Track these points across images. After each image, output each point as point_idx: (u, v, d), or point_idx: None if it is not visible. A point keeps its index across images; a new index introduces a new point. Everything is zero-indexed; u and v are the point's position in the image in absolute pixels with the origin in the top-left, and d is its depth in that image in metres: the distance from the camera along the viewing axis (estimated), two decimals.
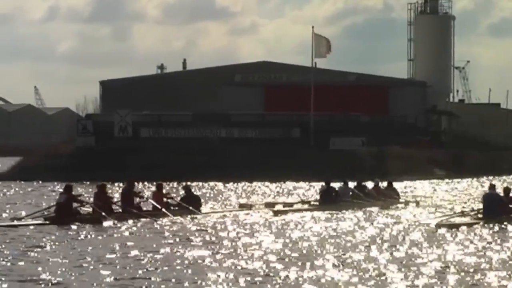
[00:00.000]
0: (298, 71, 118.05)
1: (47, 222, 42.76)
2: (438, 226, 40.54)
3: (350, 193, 56.03)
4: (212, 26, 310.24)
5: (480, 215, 43.69)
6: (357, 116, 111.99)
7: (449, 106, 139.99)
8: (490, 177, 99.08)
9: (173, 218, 45.71)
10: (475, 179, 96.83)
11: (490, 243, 34.89)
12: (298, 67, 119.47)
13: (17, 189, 75.62)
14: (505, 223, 40.87)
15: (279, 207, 53.99)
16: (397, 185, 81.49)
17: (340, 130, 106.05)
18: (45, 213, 44.71)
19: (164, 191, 50.92)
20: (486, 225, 41.17)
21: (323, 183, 56.88)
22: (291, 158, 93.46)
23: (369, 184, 61.92)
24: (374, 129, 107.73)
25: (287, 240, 36.83)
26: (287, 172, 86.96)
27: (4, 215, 51.42)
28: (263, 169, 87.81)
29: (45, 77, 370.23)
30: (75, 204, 44.67)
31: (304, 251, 33.18)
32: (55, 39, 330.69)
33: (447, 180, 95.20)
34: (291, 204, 56.82)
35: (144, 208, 46.96)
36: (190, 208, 47.63)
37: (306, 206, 54.87)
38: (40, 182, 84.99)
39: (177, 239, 37.92)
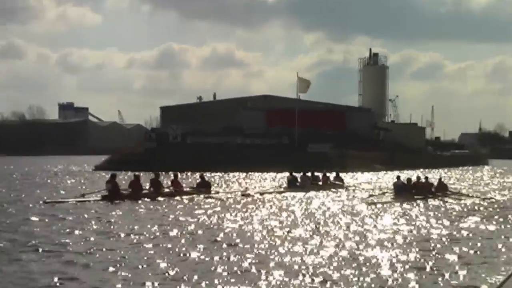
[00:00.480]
0: (288, 101, 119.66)
1: (103, 199, 42.03)
2: (366, 203, 41.47)
3: (308, 180, 54.95)
4: (233, 71, 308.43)
5: (392, 196, 45.00)
6: (326, 130, 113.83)
7: (385, 124, 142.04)
8: (411, 170, 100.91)
9: (190, 196, 45.23)
10: (402, 171, 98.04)
11: (400, 215, 35.38)
12: (288, 99, 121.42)
13: (104, 175, 75.61)
14: (406, 202, 41.77)
15: (259, 190, 52.88)
16: (351, 175, 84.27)
17: (314, 139, 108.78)
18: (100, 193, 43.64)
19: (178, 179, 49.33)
20: (394, 203, 41.85)
21: (288, 174, 56.27)
22: (283, 157, 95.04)
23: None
24: (336, 139, 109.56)
25: (260, 212, 36.46)
26: (280, 166, 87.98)
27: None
28: (265, 164, 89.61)
29: (125, 104, 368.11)
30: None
31: (270, 220, 32.38)
32: (132, 79, 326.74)
33: (383, 172, 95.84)
34: (270, 189, 56.07)
35: (167, 190, 46.34)
36: (201, 189, 47.45)
37: (278, 190, 53.56)
38: (122, 171, 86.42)
39: (190, 209, 37.90)
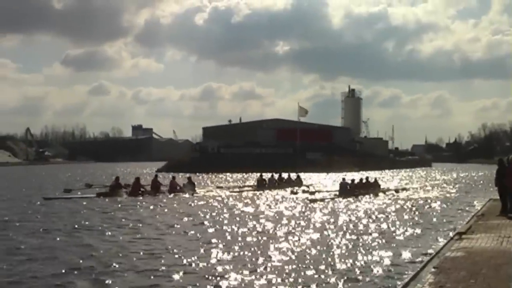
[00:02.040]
0: (292, 122, 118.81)
1: (101, 195, 38.31)
2: (310, 200, 36.13)
3: (275, 181, 50.13)
4: (253, 102, 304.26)
5: (336, 194, 40.31)
6: (318, 143, 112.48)
7: (359, 138, 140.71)
8: (378, 171, 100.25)
9: (178, 195, 40.34)
10: (370, 171, 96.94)
11: (342, 210, 30.51)
12: (292, 121, 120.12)
13: (161, 176, 74.42)
14: (349, 198, 37.39)
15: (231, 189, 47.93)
16: (336, 175, 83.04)
17: (310, 149, 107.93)
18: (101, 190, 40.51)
19: (160, 180, 44.35)
20: (339, 199, 37.22)
21: (259, 175, 51.87)
22: (288, 162, 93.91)
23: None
24: (325, 149, 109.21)
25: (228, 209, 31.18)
26: (287, 168, 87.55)
27: None
28: (276, 166, 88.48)
29: (178, 125, 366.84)
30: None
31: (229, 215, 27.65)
32: (183, 108, 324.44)
33: (359, 172, 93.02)
34: (241, 187, 51.13)
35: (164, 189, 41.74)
36: (187, 190, 42.20)
37: (246, 189, 48.63)
38: (171, 173, 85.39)
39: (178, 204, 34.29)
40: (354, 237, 20.71)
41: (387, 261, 16.21)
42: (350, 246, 18.63)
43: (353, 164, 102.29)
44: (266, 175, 51.70)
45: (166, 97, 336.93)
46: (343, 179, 43.15)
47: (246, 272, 14.51)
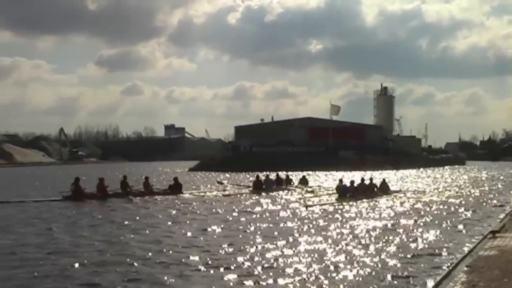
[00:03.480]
0: (324, 121, 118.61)
1: (65, 199, 34.63)
2: (305, 205, 31.93)
3: (273, 183, 45.62)
4: (286, 101, 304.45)
5: (335, 198, 36.20)
6: (350, 141, 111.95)
7: (392, 137, 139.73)
8: (411, 169, 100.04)
9: (163, 197, 37.57)
10: (404, 170, 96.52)
11: (329, 215, 26.87)
12: (324, 119, 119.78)
13: (199, 176, 73.99)
14: (350, 202, 33.13)
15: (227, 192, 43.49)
16: (369, 174, 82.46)
17: (343, 147, 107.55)
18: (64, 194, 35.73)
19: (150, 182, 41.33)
20: (337, 204, 32.63)
21: (255, 177, 46.43)
22: (320, 161, 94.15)
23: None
24: (358, 147, 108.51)
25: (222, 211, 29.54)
26: (319, 167, 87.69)
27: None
28: (308, 165, 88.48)
29: (211, 124, 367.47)
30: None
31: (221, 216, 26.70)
32: (216, 107, 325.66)
33: (391, 171, 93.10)
34: (239, 188, 47.36)
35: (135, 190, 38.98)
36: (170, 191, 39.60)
37: (243, 190, 44.51)
38: (204, 172, 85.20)
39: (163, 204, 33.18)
40: (378, 238, 20.01)
41: (419, 260, 15.93)
42: (378, 246, 18.14)
43: (386, 162, 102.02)
44: (263, 176, 47.45)
45: (198, 96, 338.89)
46: (340, 180, 39.02)
47: None
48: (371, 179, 40.45)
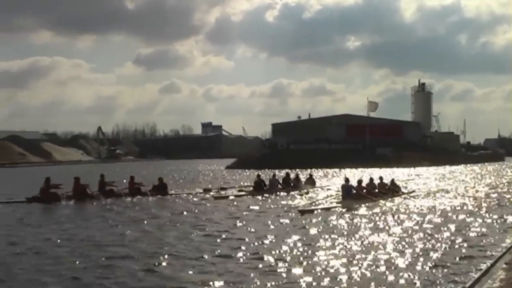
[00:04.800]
0: (362, 118, 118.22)
1: (31, 201, 32.40)
2: (300, 211, 27.38)
3: (278, 183, 41.43)
4: (324, 98, 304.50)
5: (338, 200, 31.54)
6: (388, 138, 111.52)
7: (430, 133, 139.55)
8: (450, 166, 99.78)
9: (147, 197, 35.78)
10: (442, 166, 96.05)
11: (349, 219, 24.54)
12: (362, 116, 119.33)
13: (236, 175, 74.06)
14: (355, 205, 29.49)
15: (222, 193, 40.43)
16: (406, 170, 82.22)
17: (380, 144, 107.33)
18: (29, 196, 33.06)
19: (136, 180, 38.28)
20: (343, 206, 28.96)
21: (256, 177, 41.58)
22: (358, 158, 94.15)
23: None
24: (396, 144, 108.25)
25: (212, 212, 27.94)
26: (356, 164, 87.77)
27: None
28: (345, 163, 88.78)
29: (248, 122, 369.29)
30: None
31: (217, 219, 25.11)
32: (253, 105, 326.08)
33: (430, 167, 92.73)
34: (240, 190, 42.35)
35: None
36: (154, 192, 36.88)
37: (242, 192, 39.87)
38: (240, 169, 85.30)
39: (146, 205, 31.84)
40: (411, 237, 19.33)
41: (457, 257, 15.91)
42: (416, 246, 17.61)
43: (424, 159, 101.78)
44: (268, 176, 44.71)
45: (236, 94, 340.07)
46: (346, 180, 33.89)
47: None
48: (381, 178, 36.86)
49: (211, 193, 39.95)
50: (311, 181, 45.32)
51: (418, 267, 14.65)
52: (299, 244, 18.41)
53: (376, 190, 33.98)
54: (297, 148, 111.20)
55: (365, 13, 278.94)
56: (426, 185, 49.60)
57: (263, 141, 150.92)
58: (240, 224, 23.99)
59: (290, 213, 27.32)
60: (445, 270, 14.30)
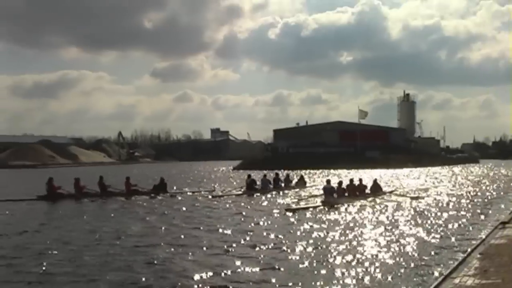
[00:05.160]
0: (353, 124, 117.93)
1: (40, 199, 32.25)
2: (287, 209, 26.71)
3: (269, 183, 39.49)
4: (319, 107, 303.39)
5: (321, 200, 29.89)
6: (376, 142, 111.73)
7: (414, 138, 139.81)
8: (431, 167, 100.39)
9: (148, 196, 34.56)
10: (424, 168, 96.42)
11: (327, 220, 22.91)
12: (353, 123, 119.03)
13: (233, 174, 74.12)
14: (335, 206, 27.96)
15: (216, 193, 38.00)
16: (392, 171, 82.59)
17: (369, 148, 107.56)
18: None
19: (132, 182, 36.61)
20: (323, 207, 27.46)
21: (247, 177, 40.22)
22: (349, 160, 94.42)
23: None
24: (383, 148, 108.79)
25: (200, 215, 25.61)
26: (348, 166, 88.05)
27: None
28: (338, 164, 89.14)
29: (252, 128, 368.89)
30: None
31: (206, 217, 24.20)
32: (257, 113, 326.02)
33: (413, 169, 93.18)
34: (229, 191, 39.56)
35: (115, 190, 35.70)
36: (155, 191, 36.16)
37: (233, 192, 38.16)
38: (244, 170, 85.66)
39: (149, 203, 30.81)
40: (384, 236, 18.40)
41: (436, 248, 16.11)
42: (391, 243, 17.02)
43: (408, 161, 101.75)
44: (259, 176, 42.60)
45: (241, 103, 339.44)
46: (327, 182, 31.94)
47: None
48: (360, 180, 34.94)
49: (206, 193, 38.38)
50: (302, 181, 43.95)
51: (395, 260, 14.54)
52: (281, 238, 18.18)
53: (357, 192, 32.33)
54: (296, 151, 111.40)
55: (356, 31, 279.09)
56: (408, 184, 49.48)
57: (265, 145, 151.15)
58: (229, 220, 23.69)
59: (276, 212, 26.26)
60: (423, 262, 14.31)
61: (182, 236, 19.00)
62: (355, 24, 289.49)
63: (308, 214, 25.28)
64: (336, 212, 25.98)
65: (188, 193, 38.56)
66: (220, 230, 20.41)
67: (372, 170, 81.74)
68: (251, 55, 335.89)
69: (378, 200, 31.36)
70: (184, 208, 28.41)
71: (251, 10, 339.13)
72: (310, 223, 22.04)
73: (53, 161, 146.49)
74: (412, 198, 33.33)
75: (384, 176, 64.45)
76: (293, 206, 28.76)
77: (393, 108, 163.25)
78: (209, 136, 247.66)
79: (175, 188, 41.71)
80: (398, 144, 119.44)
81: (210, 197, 35.25)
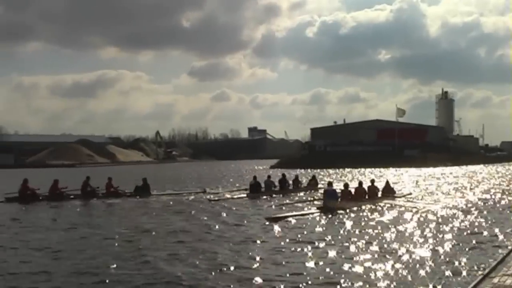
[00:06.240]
0: (391, 123, 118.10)
1: (9, 201, 30.90)
2: (268, 218, 22.65)
3: (274, 185, 36.54)
4: (357, 105, 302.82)
5: (317, 205, 26.12)
6: (415, 141, 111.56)
7: (452, 136, 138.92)
8: (470, 166, 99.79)
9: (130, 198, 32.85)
10: (464, 166, 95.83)
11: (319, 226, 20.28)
12: (391, 121, 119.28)
13: (269, 172, 74.24)
14: (338, 211, 24.64)
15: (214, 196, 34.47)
16: (430, 170, 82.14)
17: (408, 146, 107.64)
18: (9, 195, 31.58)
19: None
20: (319, 213, 23.85)
21: (252, 179, 36.50)
22: (387, 159, 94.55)
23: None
24: (422, 146, 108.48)
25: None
26: (386, 165, 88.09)
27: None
28: (376, 163, 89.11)
29: (289, 127, 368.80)
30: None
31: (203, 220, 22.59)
32: (294, 111, 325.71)
33: (452, 167, 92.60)
34: (236, 190, 38.04)
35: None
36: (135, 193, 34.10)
37: (236, 194, 35.50)
38: (283, 169, 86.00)
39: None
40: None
41: (472, 249, 15.50)
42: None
43: (447, 160, 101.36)
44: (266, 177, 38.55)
45: (279, 101, 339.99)
46: (329, 184, 29.39)
47: None
48: (372, 181, 30.84)
49: (205, 194, 35.98)
50: (313, 182, 40.70)
51: (430, 261, 13.82)
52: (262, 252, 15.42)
53: (367, 196, 28.50)
54: (333, 150, 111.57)
55: (395, 29, 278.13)
56: (439, 186, 45.40)
57: (303, 143, 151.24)
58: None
59: (259, 220, 22.75)
60: (460, 261, 13.72)
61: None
62: (394, 21, 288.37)
63: (293, 222, 21.73)
64: (333, 219, 22.82)
65: (176, 194, 36.15)
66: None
67: (410, 168, 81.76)
68: (288, 54, 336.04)
69: (386, 204, 27.64)
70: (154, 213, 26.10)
71: (289, 9, 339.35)
72: (289, 234, 18.63)
73: (91, 160, 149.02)
74: (434, 200, 31.09)
75: (421, 175, 64.13)
76: (278, 213, 24.33)
77: (432, 106, 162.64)
78: (247, 135, 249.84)
79: (173, 188, 40.07)
80: (437, 142, 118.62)
81: (207, 199, 32.37)
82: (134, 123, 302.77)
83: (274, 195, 34.20)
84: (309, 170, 75.04)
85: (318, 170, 79.64)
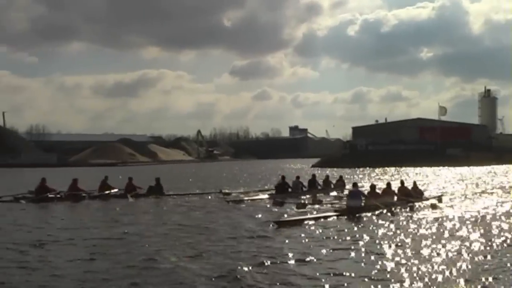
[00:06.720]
0: (433, 121, 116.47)
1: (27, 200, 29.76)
2: (275, 222, 20.04)
3: (302, 186, 33.51)
4: (399, 103, 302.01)
5: (339, 206, 24.76)
6: (457, 140, 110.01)
7: (495, 135, 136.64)
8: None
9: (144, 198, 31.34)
10: (507, 165, 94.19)
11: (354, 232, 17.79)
12: (433, 120, 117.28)
13: (321, 172, 73.44)
14: (363, 214, 22.56)
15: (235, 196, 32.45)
16: (477, 169, 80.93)
17: (450, 145, 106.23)
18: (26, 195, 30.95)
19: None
20: (347, 215, 21.92)
21: (280, 178, 34.21)
22: (430, 158, 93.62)
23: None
24: (464, 145, 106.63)
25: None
26: (428, 164, 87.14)
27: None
28: (418, 162, 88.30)
29: (331, 126, 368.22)
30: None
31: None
32: (336, 110, 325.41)
33: (495, 166, 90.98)
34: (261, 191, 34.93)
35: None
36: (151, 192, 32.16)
37: (262, 194, 32.49)
38: (324, 168, 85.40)
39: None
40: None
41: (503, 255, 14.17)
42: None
43: (490, 158, 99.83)
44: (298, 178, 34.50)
45: (321, 100, 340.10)
46: (354, 185, 26.84)
47: None
48: (402, 182, 28.39)
49: (225, 195, 33.19)
50: (341, 183, 38.01)
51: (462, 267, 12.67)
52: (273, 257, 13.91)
53: (395, 198, 26.50)
54: (374, 149, 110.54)
55: (437, 26, 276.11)
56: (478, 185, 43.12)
57: (344, 142, 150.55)
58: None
59: (268, 223, 20.38)
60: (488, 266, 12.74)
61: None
62: (436, 19, 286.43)
63: (308, 225, 20.01)
64: (354, 221, 21.19)
65: (193, 195, 34.55)
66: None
67: (453, 168, 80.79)
68: (330, 52, 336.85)
69: (414, 208, 25.40)
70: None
71: (330, 7, 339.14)
72: (298, 241, 16.72)
73: (133, 159, 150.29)
74: (468, 202, 28.60)
75: (465, 173, 63.16)
76: (294, 216, 22.59)
77: (474, 105, 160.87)
78: (288, 134, 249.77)
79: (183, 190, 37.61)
80: (480, 141, 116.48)
81: (225, 200, 30.28)
82: (176, 122, 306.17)
83: (302, 196, 31.25)
84: (347, 170, 74.50)
85: (360, 169, 79.21)
